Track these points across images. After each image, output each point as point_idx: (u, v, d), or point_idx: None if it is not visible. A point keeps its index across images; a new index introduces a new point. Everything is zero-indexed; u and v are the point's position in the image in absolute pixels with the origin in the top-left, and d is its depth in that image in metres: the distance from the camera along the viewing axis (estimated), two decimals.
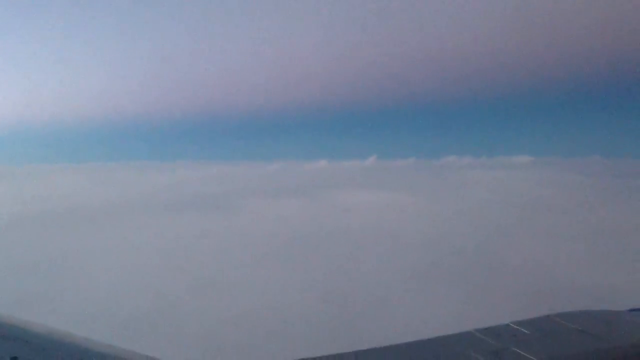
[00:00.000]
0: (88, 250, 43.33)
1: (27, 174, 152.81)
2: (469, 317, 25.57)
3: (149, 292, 31.28)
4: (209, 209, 66.65)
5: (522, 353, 3.10)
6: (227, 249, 42.94)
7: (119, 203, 77.73)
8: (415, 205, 68.33)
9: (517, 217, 57.15)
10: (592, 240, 43.76)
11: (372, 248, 42.46)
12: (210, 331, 25.02)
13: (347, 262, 38.25)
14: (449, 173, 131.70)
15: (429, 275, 34.30)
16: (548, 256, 38.92)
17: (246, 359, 22.84)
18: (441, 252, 40.73)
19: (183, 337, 24.50)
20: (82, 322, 24.12)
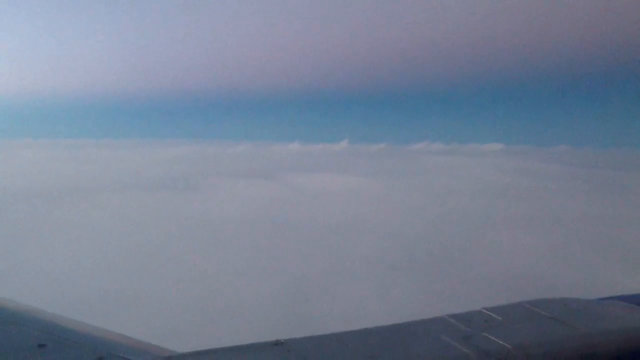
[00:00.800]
0: (35, 229, 41.44)
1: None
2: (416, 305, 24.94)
3: (80, 271, 29.68)
4: (167, 188, 65.10)
5: (492, 338, 3.13)
6: (175, 229, 41.66)
7: (77, 181, 75.31)
8: (379, 189, 67.73)
9: (478, 204, 56.82)
10: (557, 229, 43.43)
11: (323, 232, 41.40)
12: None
13: (296, 245, 37.15)
14: (419, 158, 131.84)
15: (382, 262, 33.54)
16: (510, 245, 38.31)
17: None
18: (397, 238, 39.87)
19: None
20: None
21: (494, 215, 49.57)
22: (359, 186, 70.17)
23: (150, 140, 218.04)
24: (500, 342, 3.09)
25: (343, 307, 25.37)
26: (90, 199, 56.48)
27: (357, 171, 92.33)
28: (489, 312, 3.57)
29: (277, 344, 2.95)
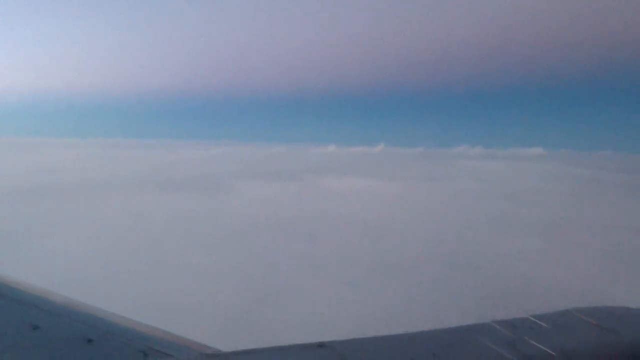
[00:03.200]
0: (66, 224, 41.18)
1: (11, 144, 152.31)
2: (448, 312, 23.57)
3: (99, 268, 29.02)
4: (196, 189, 64.75)
5: (537, 345, 3.14)
6: (196, 229, 40.90)
7: (107, 179, 76.05)
8: (410, 194, 65.82)
9: (517, 210, 54.25)
10: (598, 237, 40.78)
11: (352, 236, 39.93)
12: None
13: (320, 247, 35.76)
14: (457, 162, 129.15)
15: (411, 268, 31.89)
16: (553, 253, 36.07)
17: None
18: (430, 244, 38.12)
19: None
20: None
21: (532, 222, 47.38)
22: (389, 190, 68.59)
23: (188, 142, 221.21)
24: (545, 349, 3.07)
25: (389, 311, 24.30)
26: (122, 198, 56.71)
27: (391, 175, 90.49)
28: (535, 319, 3.53)
29: (321, 345, 2.94)
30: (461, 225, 45.06)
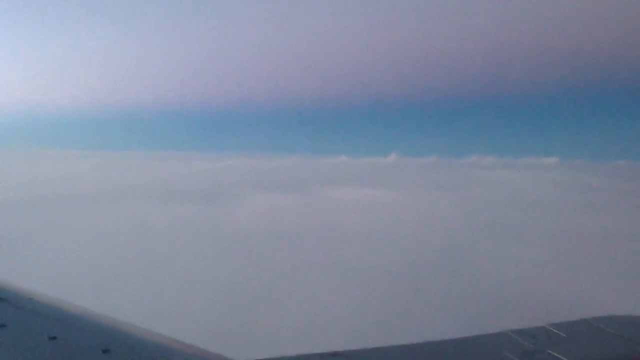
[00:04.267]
0: (74, 234, 41.88)
1: (20, 156, 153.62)
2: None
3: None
4: (203, 200, 64.66)
5: (556, 355, 3.09)
6: (199, 240, 40.87)
7: (116, 191, 76.19)
8: (420, 204, 65.06)
9: (530, 221, 53.22)
10: (610, 246, 40.06)
11: (357, 248, 39.36)
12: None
13: (324, 258, 35.23)
14: (469, 172, 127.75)
15: (425, 277, 31.57)
16: (566, 264, 35.46)
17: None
18: (445, 255, 37.85)
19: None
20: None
21: (545, 232, 46.59)
22: (400, 201, 67.66)
23: (201, 153, 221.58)
24: (563, 359, 3.02)
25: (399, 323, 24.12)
26: (127, 210, 56.85)
27: (402, 186, 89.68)
28: (552, 329, 3.47)
29: (335, 355, 2.94)
30: (473, 236, 44.37)
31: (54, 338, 3.18)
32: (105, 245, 38.75)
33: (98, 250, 36.65)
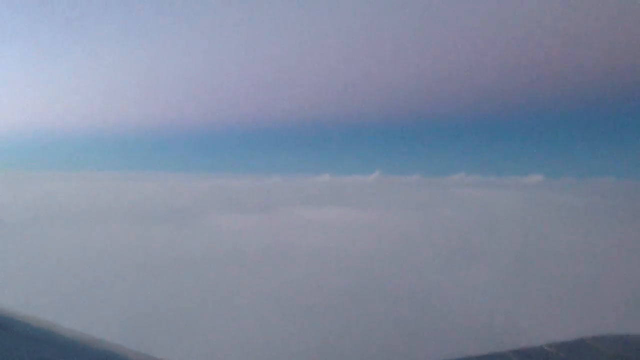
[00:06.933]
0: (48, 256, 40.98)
1: (11, 179, 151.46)
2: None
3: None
4: (168, 222, 62.09)
5: None
6: (158, 262, 38.91)
7: (87, 212, 74.26)
8: (402, 225, 62.72)
9: (515, 241, 51.11)
10: (589, 265, 38.86)
11: (310, 270, 37.22)
12: None
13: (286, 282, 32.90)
14: (453, 191, 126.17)
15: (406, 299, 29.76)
16: (552, 285, 34.09)
17: None
18: (423, 276, 36.12)
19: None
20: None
21: (530, 253, 44.66)
22: (374, 220, 65.61)
23: (183, 174, 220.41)
24: None
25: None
26: (91, 229, 55.80)
27: (383, 205, 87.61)
28: (549, 349, 3.46)
29: None
30: (453, 257, 42.35)
31: None
32: (65, 265, 37.72)
33: (55, 271, 35.92)
